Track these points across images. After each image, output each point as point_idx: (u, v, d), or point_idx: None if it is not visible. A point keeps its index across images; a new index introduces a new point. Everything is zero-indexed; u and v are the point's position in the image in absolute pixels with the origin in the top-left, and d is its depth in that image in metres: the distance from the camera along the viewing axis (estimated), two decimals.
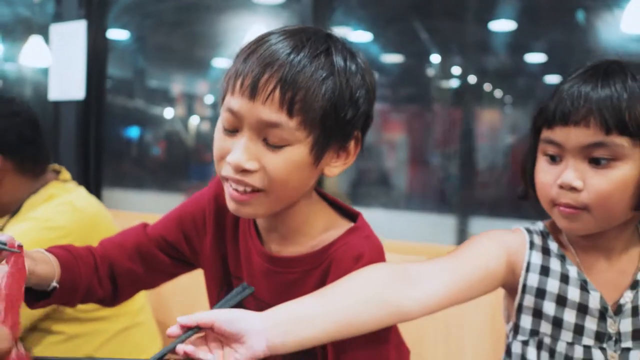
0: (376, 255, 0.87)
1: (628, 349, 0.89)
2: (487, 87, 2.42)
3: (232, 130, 0.82)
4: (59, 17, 2.66)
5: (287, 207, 0.87)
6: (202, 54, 3.08)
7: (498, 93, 2.41)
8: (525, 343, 0.95)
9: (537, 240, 0.97)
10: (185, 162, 3.30)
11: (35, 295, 0.90)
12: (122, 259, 1.03)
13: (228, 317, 0.71)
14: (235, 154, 0.79)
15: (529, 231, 0.98)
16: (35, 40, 3.05)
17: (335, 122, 0.81)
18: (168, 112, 3.31)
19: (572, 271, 0.93)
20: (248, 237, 0.95)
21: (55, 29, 2.61)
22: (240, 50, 0.84)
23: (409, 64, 2.60)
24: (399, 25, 2.56)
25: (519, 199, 1.01)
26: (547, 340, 0.93)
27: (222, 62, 2.96)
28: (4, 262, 0.78)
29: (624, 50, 1.92)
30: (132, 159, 3.27)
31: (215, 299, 1.02)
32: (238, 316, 0.72)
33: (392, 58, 2.72)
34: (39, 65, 3.11)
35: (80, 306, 1.50)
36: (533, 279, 0.94)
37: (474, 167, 2.34)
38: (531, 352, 0.94)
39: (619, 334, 0.90)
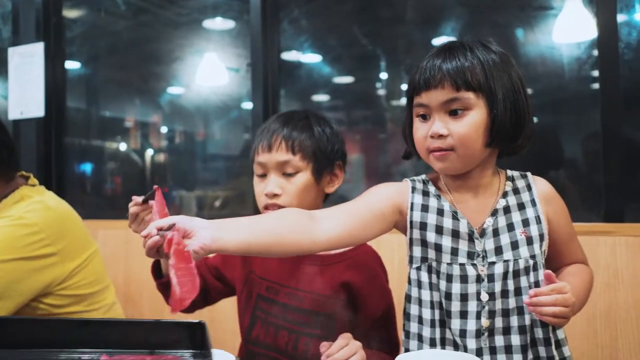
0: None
1: (493, 263, 1.21)
2: None
3: (263, 175, 1.43)
4: (16, 41, 2.92)
5: None
6: (155, 84, 3.27)
7: None
8: (418, 269, 1.26)
9: (419, 185, 1.31)
10: (143, 193, 3.38)
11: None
12: (206, 273, 1.57)
13: (184, 219, 1.03)
14: (269, 187, 1.40)
15: (413, 180, 1.33)
16: None
17: (323, 155, 1.43)
18: (122, 146, 3.41)
19: (446, 206, 1.27)
20: None
21: (14, 51, 2.86)
22: (258, 129, 1.49)
23: (360, 84, 2.80)
24: (348, 47, 2.80)
25: (403, 159, 1.38)
26: (434, 264, 1.24)
27: (176, 90, 3.17)
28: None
29: (556, 57, 2.21)
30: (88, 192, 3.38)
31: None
32: (190, 218, 1.04)
33: (344, 79, 2.93)
34: None
35: (53, 301, 1.70)
36: (417, 216, 1.27)
37: None
38: (423, 275, 1.26)
39: (485, 251, 1.22)
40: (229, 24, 2.96)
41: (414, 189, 1.29)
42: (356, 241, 1.24)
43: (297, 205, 1.36)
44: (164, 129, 3.33)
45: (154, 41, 3.25)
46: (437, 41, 2.57)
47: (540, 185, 1.29)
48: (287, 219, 1.15)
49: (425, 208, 1.27)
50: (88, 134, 3.39)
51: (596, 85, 2.13)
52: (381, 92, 2.76)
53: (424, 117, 1.24)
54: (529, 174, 1.32)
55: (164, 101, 3.23)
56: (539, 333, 1.20)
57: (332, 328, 1.32)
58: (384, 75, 2.72)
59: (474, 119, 1.18)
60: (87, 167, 3.44)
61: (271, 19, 2.67)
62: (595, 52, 2.10)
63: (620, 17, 2.06)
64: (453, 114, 1.19)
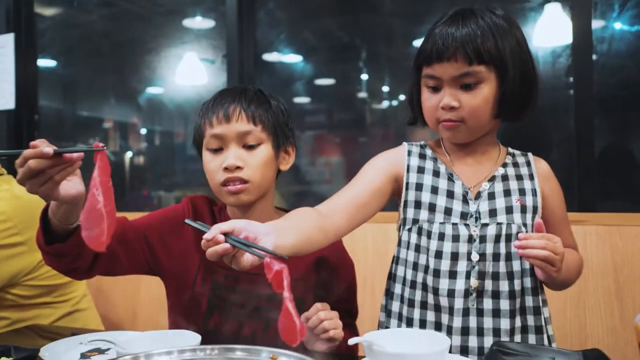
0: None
1: (486, 224, 1.21)
2: None
3: (218, 149, 1.30)
4: None
5: (261, 198, 1.34)
6: (134, 84, 3.20)
7: None
8: (409, 230, 1.26)
9: (415, 149, 1.31)
10: (121, 195, 3.36)
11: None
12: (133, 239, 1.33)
13: (243, 225, 0.96)
14: (229, 160, 1.27)
15: (410, 144, 1.32)
16: None
17: (281, 129, 1.34)
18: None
19: (442, 168, 1.27)
20: None
21: None
22: (202, 105, 1.36)
23: (341, 86, 2.78)
24: (329, 49, 2.80)
25: (409, 125, 1.35)
26: (425, 226, 1.23)
27: (155, 90, 3.13)
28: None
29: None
30: None
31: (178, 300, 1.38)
32: (251, 224, 0.98)
33: (324, 82, 2.91)
34: None
35: (21, 292, 1.66)
36: (412, 177, 1.27)
37: None
38: (413, 237, 1.25)
39: (478, 212, 1.22)
40: (209, 23, 2.93)
41: (410, 152, 1.30)
42: (359, 225, 1.24)
43: (259, 180, 1.29)
44: (143, 131, 3.29)
45: (132, 40, 3.20)
46: (418, 43, 2.55)
47: (540, 164, 1.31)
48: (309, 219, 1.12)
49: (421, 170, 1.27)
50: (64, 134, 3.33)
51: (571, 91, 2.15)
52: (362, 94, 2.75)
53: (435, 89, 1.22)
54: (529, 153, 1.33)
55: (142, 100, 3.18)
56: (529, 301, 1.19)
57: (303, 309, 1.27)
58: (364, 77, 2.71)
59: (485, 92, 1.18)
60: None
61: (247, 11, 2.66)
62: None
63: (596, 23, 2.09)
64: (465, 87, 1.18)
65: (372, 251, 1.39)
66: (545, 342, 1.20)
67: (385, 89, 2.68)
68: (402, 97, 2.60)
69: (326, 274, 1.36)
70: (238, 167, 1.27)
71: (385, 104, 2.70)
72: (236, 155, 1.28)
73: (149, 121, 3.27)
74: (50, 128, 3.26)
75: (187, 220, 1.01)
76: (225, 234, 0.94)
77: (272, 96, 1.38)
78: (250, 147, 1.30)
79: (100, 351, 1.21)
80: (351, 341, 0.98)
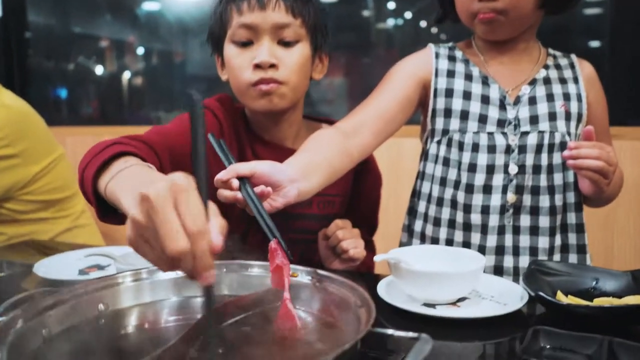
0: None
1: (526, 133, 1.07)
2: (423, 24, 2.51)
3: (247, 43, 1.06)
4: None
5: (292, 108, 1.12)
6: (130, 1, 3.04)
7: (434, 31, 2.50)
8: (439, 142, 1.13)
9: (443, 51, 1.16)
10: (120, 115, 3.26)
11: None
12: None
13: (267, 170, 0.82)
14: (262, 55, 1.03)
15: (437, 46, 1.17)
16: None
17: (320, 29, 1.11)
18: (98, 69, 3.26)
19: (475, 71, 1.12)
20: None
21: None
22: None
23: (345, 5, 2.64)
24: None
25: (437, 22, 1.20)
26: (456, 137, 1.10)
27: (151, 6, 2.96)
28: None
29: None
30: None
31: None
32: (276, 169, 0.84)
33: None
34: None
35: (16, 207, 1.55)
36: (442, 82, 1.12)
37: None
38: (442, 149, 1.12)
39: (517, 119, 1.08)
40: None
41: (437, 55, 1.15)
42: (385, 140, 1.11)
43: (294, 83, 1.07)
44: (140, 50, 3.14)
45: None
46: None
47: (585, 67, 1.16)
48: (333, 145, 0.99)
49: (451, 74, 1.13)
50: (57, 53, 3.18)
51: None
52: (366, 12, 2.60)
53: None
54: (573, 54, 1.18)
55: (139, 17, 3.02)
56: (571, 218, 1.09)
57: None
58: None
59: None
60: (62, 92, 3.27)
61: None
62: None
63: None
64: None
65: (386, 168, 1.29)
66: (588, 261, 1.10)
67: (391, 5, 2.52)
68: (408, 14, 2.48)
69: (359, 187, 1.24)
70: (272, 66, 1.04)
71: (390, 22, 2.56)
72: (271, 51, 1.05)
73: (145, 40, 3.12)
74: (42, 45, 3.10)
75: (210, 137, 0.88)
76: (242, 180, 0.81)
77: None
78: (286, 44, 1.06)
79: (99, 267, 1.11)
80: (377, 258, 0.88)
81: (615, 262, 1.67)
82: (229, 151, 0.89)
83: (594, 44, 2.08)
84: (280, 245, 0.75)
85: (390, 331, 0.59)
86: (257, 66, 1.04)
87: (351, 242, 1.05)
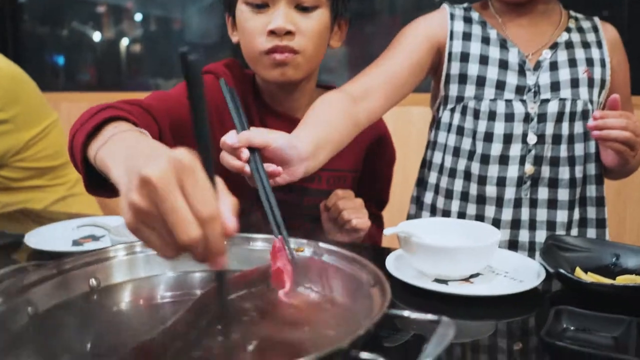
0: None
1: (547, 100, 1.01)
2: None
3: (262, 5, 0.97)
4: None
5: (306, 78, 1.04)
6: None
7: None
8: (452, 110, 1.07)
9: (459, 12, 1.09)
10: (119, 81, 3.20)
11: None
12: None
13: (282, 144, 0.75)
14: (277, 21, 0.94)
15: (452, 6, 1.09)
16: None
17: None
18: (96, 35, 3.18)
19: (493, 34, 1.05)
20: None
21: None
22: None
23: None
24: None
25: None
26: (471, 104, 1.04)
27: None
28: None
29: None
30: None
31: None
32: (291, 144, 0.77)
33: None
34: None
35: (9, 174, 1.49)
36: (457, 46, 1.05)
37: None
38: (456, 117, 1.06)
39: (538, 86, 1.01)
40: None
41: (453, 16, 1.08)
42: (394, 105, 1.04)
43: (311, 52, 0.99)
44: (138, 16, 3.08)
45: None
46: None
47: (609, 30, 1.09)
48: (340, 112, 0.92)
49: (467, 36, 1.05)
50: (52, 19, 3.09)
51: None
52: None
53: None
54: (596, 17, 1.11)
55: None
56: (591, 191, 1.04)
57: None
58: None
59: None
60: (59, 59, 3.20)
61: None
62: None
63: None
64: None
65: (393, 137, 1.23)
66: (607, 236, 1.05)
67: None
68: None
69: (373, 163, 1.17)
70: (289, 33, 0.96)
71: None
72: (287, 16, 0.96)
73: (143, 6, 3.04)
74: (37, 11, 3.02)
75: (222, 84, 0.80)
76: (252, 150, 0.73)
77: None
78: (304, 10, 0.97)
79: (94, 238, 1.06)
80: (386, 231, 0.83)
81: (627, 236, 1.62)
82: (240, 104, 0.81)
83: (611, 11, 2.01)
84: (285, 245, 0.68)
85: (406, 313, 0.53)
86: (272, 32, 0.96)
87: (352, 211, 0.99)
